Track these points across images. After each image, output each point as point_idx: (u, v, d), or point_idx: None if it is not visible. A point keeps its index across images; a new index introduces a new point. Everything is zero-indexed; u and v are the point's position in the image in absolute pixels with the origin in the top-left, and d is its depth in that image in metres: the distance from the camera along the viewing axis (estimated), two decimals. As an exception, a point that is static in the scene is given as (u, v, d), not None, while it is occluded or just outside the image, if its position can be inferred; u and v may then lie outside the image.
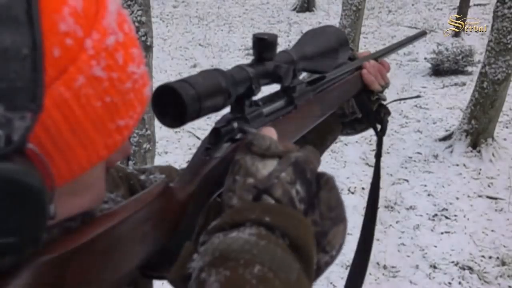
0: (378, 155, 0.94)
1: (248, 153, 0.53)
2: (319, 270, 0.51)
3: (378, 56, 0.94)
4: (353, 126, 0.98)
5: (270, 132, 0.57)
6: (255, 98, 0.64)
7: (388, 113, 0.94)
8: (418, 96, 1.29)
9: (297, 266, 0.45)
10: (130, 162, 3.43)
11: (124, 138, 0.44)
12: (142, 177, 0.76)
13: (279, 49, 0.64)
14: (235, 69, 0.58)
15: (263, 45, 0.61)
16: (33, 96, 0.36)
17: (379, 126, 0.93)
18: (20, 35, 0.35)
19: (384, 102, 0.94)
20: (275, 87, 0.68)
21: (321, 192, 0.52)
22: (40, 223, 0.38)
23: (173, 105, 0.50)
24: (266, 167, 0.52)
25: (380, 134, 0.94)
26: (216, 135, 0.58)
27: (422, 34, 1.13)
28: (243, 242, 0.44)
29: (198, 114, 0.52)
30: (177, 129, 6.36)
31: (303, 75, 0.77)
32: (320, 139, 0.91)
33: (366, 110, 0.92)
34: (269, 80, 0.63)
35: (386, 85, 0.91)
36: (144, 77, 0.47)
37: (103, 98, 0.41)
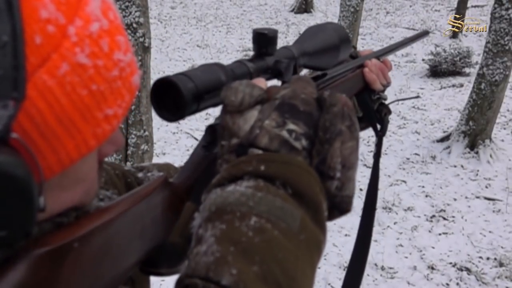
0: (377, 155, 0.93)
1: (227, 113, 0.50)
2: (336, 199, 0.48)
3: (380, 54, 0.93)
4: None
5: (258, 82, 0.54)
6: None
7: (389, 112, 0.93)
8: (417, 97, 1.28)
9: (300, 214, 0.43)
10: (128, 163, 3.43)
11: (113, 128, 0.44)
12: (140, 174, 0.75)
13: None
14: (235, 64, 0.58)
15: (263, 40, 0.60)
16: (15, 84, 0.35)
17: (379, 126, 0.93)
18: None
19: (385, 102, 0.93)
20: (275, 83, 0.67)
21: (321, 117, 0.49)
22: (29, 216, 0.37)
23: (172, 98, 0.49)
24: (248, 121, 0.49)
25: (380, 134, 0.93)
26: (212, 133, 0.57)
27: (424, 33, 1.12)
28: (239, 195, 0.43)
29: (197, 108, 0.51)
30: (175, 130, 6.35)
31: (304, 72, 0.77)
32: None
33: (367, 109, 0.91)
34: (270, 76, 0.62)
35: (387, 84, 0.91)
36: (132, 65, 0.46)
37: (89, 86, 0.40)
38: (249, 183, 0.44)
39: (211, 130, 0.57)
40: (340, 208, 0.49)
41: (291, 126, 0.48)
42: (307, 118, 0.49)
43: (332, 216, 0.50)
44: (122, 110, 0.44)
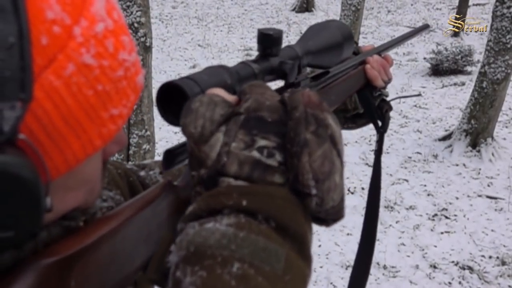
0: (378, 152, 0.93)
1: (191, 141, 0.46)
2: (320, 215, 0.45)
3: (382, 50, 0.93)
4: (354, 121, 0.97)
5: (218, 91, 0.49)
6: None
7: (390, 109, 0.93)
8: (419, 94, 1.28)
9: (285, 252, 0.41)
10: (130, 163, 3.43)
11: (118, 128, 0.44)
12: (142, 173, 0.76)
13: None
14: (240, 66, 0.57)
15: (268, 40, 0.59)
16: (22, 85, 0.35)
17: (380, 123, 0.92)
18: (5, 23, 0.34)
19: (387, 98, 0.93)
20: (278, 83, 0.67)
21: (287, 124, 0.45)
22: (36, 216, 0.37)
23: (178, 103, 0.49)
24: (214, 147, 0.44)
25: (382, 131, 0.93)
26: (170, 159, 0.53)
27: (425, 27, 1.12)
28: (220, 236, 0.39)
29: None
30: (177, 130, 6.35)
31: (307, 71, 0.77)
32: None
33: (369, 106, 0.91)
34: (274, 77, 0.62)
35: (389, 80, 0.90)
36: (136, 65, 0.46)
37: (94, 86, 0.41)
38: (230, 220, 0.41)
39: (168, 155, 0.53)
40: (329, 219, 0.47)
41: (262, 142, 0.44)
42: (277, 128, 0.45)
43: (326, 224, 0.48)
44: (127, 110, 0.44)
